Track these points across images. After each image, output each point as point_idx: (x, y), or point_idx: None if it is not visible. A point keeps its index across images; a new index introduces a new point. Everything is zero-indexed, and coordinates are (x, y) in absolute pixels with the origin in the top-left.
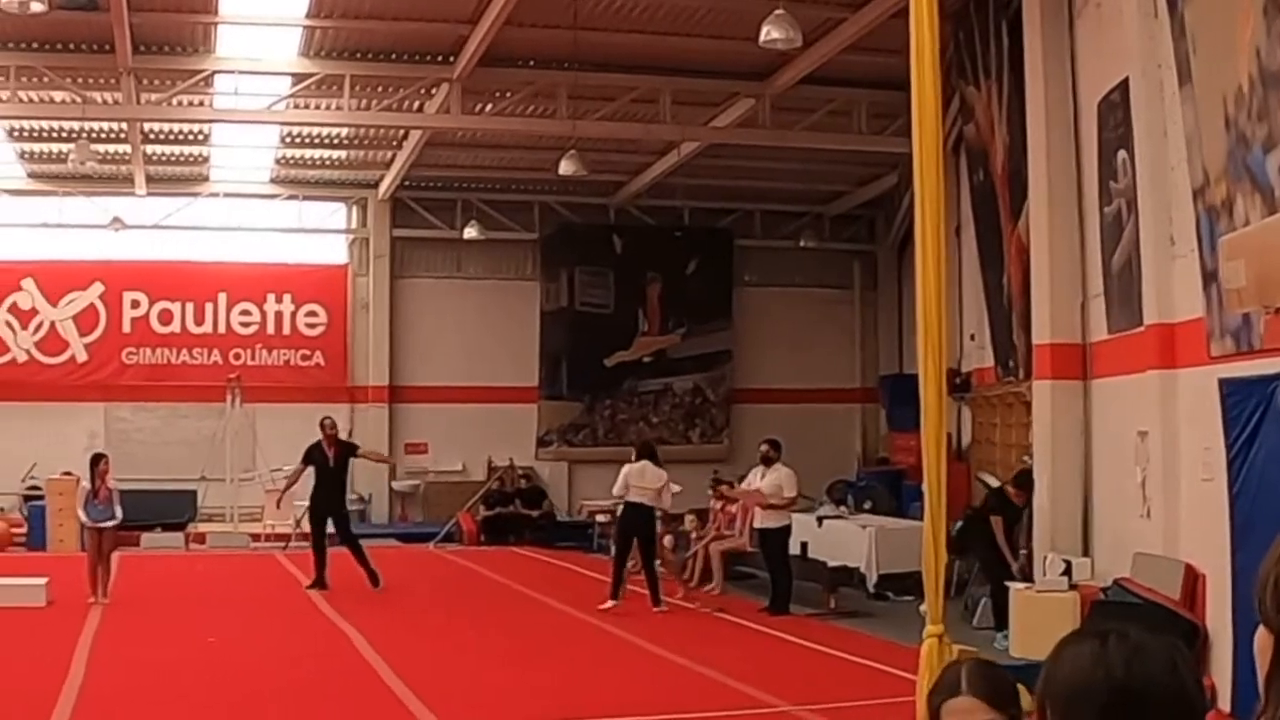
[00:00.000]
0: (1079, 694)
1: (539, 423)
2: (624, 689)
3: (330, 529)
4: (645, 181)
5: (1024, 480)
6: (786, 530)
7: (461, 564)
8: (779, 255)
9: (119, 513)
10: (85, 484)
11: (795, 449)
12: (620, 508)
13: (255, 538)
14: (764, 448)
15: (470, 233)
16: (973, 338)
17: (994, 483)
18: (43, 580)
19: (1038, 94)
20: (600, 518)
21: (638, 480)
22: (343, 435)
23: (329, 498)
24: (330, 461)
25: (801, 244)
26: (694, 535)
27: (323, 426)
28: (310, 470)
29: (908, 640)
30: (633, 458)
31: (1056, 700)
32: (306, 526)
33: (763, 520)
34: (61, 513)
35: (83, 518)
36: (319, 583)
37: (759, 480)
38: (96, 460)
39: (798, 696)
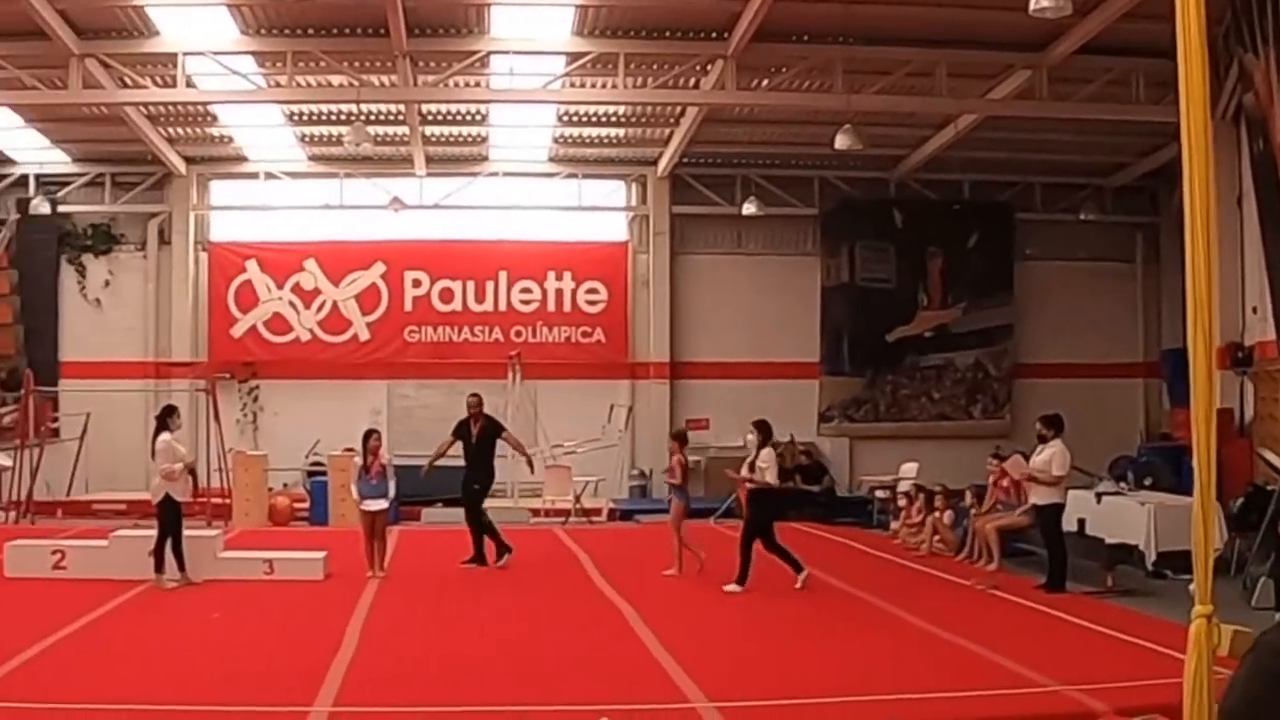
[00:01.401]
0: None
1: (820, 398)
2: (895, 666)
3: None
4: (924, 155)
5: None
6: (1059, 507)
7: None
8: (1060, 228)
9: (391, 489)
10: (358, 459)
11: (1077, 425)
12: (763, 492)
13: (535, 513)
14: (1038, 425)
15: (749, 208)
16: (1254, 310)
17: (1276, 459)
18: (321, 554)
19: None
20: (880, 493)
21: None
22: (623, 407)
23: (473, 473)
24: (474, 438)
25: (1082, 217)
26: (972, 512)
27: (468, 404)
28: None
29: (1185, 620)
30: (760, 440)
31: None
32: (587, 502)
33: (1036, 496)
34: (343, 488)
35: (354, 494)
36: (501, 549)
37: (1037, 458)
38: (368, 436)
39: (1070, 676)
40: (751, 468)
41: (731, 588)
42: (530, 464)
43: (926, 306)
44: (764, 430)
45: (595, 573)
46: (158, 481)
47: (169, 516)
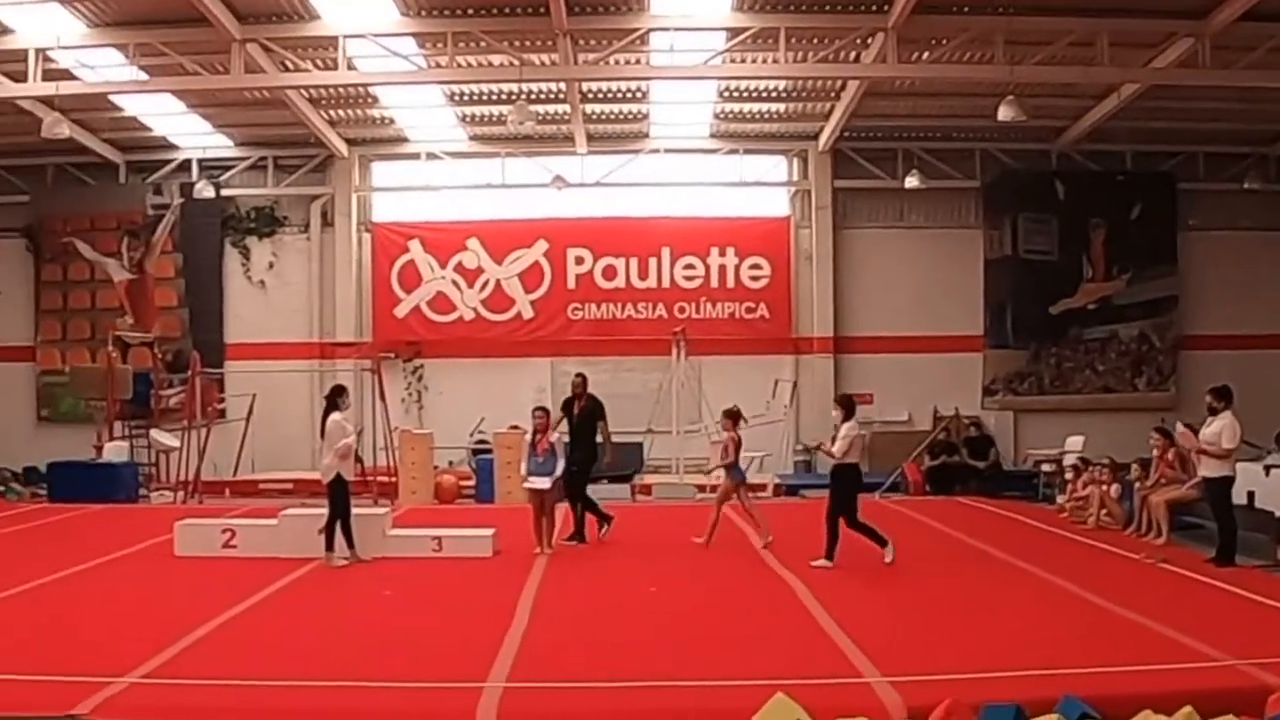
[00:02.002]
0: None
1: (984, 371)
2: (1067, 640)
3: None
4: (1086, 126)
5: None
6: (1229, 480)
7: (906, 514)
8: (1223, 198)
9: (559, 466)
10: (528, 436)
11: (1242, 397)
12: (844, 468)
13: (700, 489)
14: (1208, 397)
15: (911, 182)
16: None
17: None
18: (490, 531)
19: None
20: (1046, 467)
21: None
22: (787, 382)
23: (574, 452)
24: (576, 417)
25: (1246, 186)
26: (1138, 485)
27: (573, 383)
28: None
29: None
30: (844, 416)
31: None
32: (753, 477)
33: (1206, 469)
34: (509, 465)
35: (522, 470)
36: (604, 520)
37: (1207, 430)
38: (535, 414)
39: (1244, 650)
40: (832, 442)
41: (820, 563)
42: (607, 450)
43: (1090, 278)
44: (846, 406)
45: (761, 547)
46: (328, 461)
47: (339, 495)
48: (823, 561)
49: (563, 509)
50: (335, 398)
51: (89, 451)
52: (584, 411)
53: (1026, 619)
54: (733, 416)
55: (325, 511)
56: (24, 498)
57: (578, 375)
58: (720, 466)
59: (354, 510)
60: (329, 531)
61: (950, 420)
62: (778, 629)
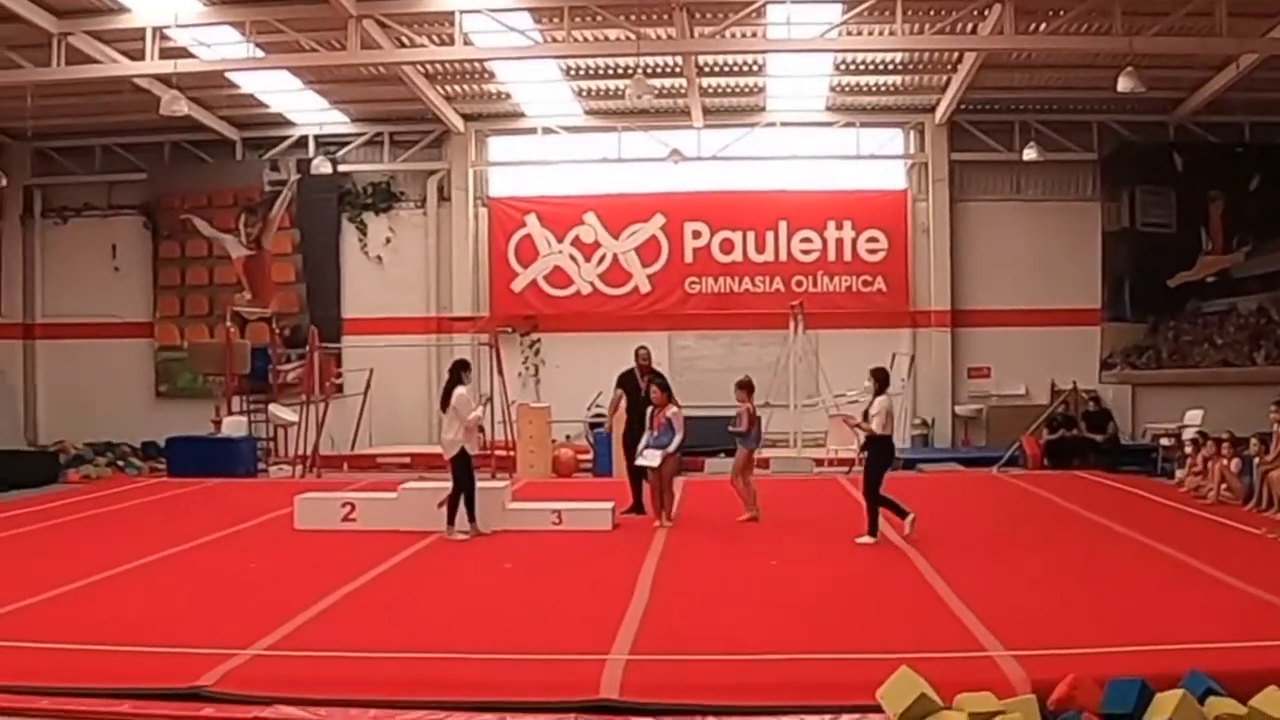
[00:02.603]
0: None
1: (1102, 345)
2: (1190, 614)
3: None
4: (1204, 97)
5: None
6: None
7: (1024, 488)
8: None
9: (675, 441)
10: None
11: None
12: (876, 440)
13: (818, 463)
14: None
15: (1029, 154)
16: None
17: None
18: (609, 504)
19: None
20: (1164, 441)
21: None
22: (904, 356)
23: (640, 424)
24: (642, 391)
25: None
26: (1258, 460)
27: (637, 355)
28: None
29: None
30: (877, 390)
31: None
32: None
33: None
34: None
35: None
36: (635, 508)
37: None
38: (656, 387)
39: None
40: (865, 416)
41: (864, 539)
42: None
43: (1208, 251)
44: (879, 378)
45: (881, 521)
46: (451, 435)
47: (464, 470)
48: (866, 538)
49: (681, 482)
50: (459, 371)
51: (206, 426)
52: (650, 385)
53: (1148, 593)
54: (746, 388)
55: (444, 485)
56: (142, 472)
57: (642, 348)
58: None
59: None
60: (451, 505)
61: (1068, 394)
62: (900, 602)
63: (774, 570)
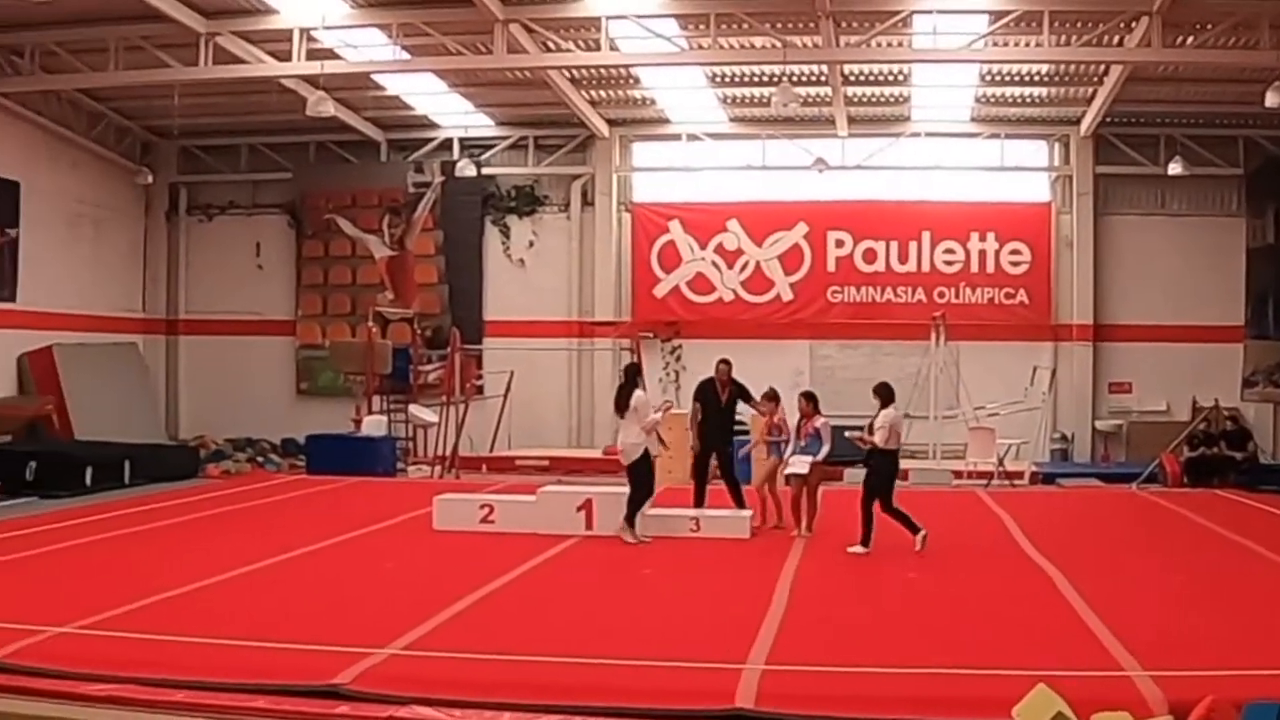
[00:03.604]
0: None
1: (1244, 362)
2: None
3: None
4: None
5: None
6: None
7: (1164, 505)
8: None
9: (822, 450)
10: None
11: None
12: (877, 453)
13: (958, 475)
14: None
15: (1174, 168)
16: None
17: None
18: (748, 513)
19: None
20: None
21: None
22: (1046, 369)
23: (716, 434)
24: (721, 402)
25: None
26: None
27: (718, 367)
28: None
29: None
30: (882, 404)
31: None
32: (1010, 465)
33: None
34: (758, 447)
35: (785, 453)
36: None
37: None
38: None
39: None
40: (870, 430)
41: (855, 549)
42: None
43: None
44: (883, 394)
45: (1020, 535)
46: (633, 439)
47: (643, 474)
48: (858, 548)
49: (823, 491)
50: (635, 375)
51: (346, 425)
52: (731, 397)
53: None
54: (773, 399)
55: (583, 489)
56: (282, 469)
57: (724, 361)
58: (764, 442)
59: (606, 489)
60: (631, 509)
61: (1210, 411)
62: (1038, 619)
63: (911, 583)
